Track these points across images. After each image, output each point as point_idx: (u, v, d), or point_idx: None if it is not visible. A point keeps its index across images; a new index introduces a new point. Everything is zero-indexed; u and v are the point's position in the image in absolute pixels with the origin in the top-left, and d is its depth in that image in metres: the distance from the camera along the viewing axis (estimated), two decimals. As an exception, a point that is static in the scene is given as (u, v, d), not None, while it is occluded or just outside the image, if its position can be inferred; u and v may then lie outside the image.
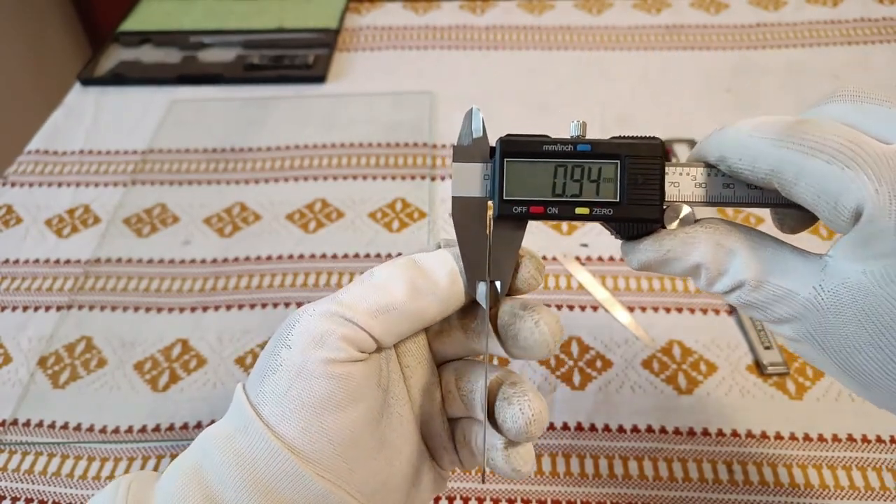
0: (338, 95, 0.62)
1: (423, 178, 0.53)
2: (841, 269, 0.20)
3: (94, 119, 0.61)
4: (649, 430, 0.37)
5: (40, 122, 0.61)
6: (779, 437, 0.36)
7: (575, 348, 0.41)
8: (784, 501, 0.34)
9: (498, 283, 0.23)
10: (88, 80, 0.65)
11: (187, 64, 0.66)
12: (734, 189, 0.23)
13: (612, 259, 0.46)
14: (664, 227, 0.23)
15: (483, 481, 0.25)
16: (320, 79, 0.63)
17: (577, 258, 0.46)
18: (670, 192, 0.23)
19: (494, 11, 0.72)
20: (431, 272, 0.23)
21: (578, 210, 0.23)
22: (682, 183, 0.23)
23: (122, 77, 0.65)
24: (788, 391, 0.38)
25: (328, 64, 0.65)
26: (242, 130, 0.59)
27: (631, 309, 0.43)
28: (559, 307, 0.43)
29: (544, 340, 0.22)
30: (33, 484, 0.36)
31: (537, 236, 0.48)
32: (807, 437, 0.36)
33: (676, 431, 0.37)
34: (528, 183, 0.23)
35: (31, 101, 1.07)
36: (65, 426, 0.39)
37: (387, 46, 0.68)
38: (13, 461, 0.37)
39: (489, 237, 0.23)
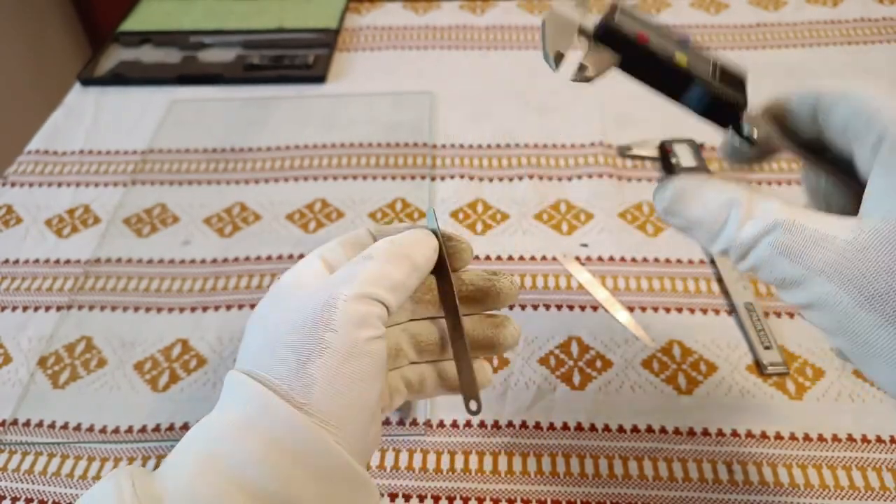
0: (338, 95, 0.62)
1: (423, 178, 0.53)
2: (878, 208, 0.19)
3: (94, 119, 0.61)
4: (649, 430, 0.37)
5: (40, 122, 0.61)
6: (779, 437, 0.36)
7: (575, 348, 0.41)
8: (784, 501, 0.34)
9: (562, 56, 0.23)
10: (88, 80, 0.65)
11: (187, 64, 0.66)
12: (784, 134, 0.23)
13: (611, 259, 0.46)
14: (740, 126, 0.23)
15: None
16: (320, 79, 0.63)
17: (577, 258, 0.46)
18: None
19: (494, 11, 0.72)
20: (415, 253, 0.26)
21: (679, 56, 0.23)
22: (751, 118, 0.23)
23: (122, 77, 0.65)
24: (788, 391, 0.38)
25: (328, 64, 0.65)
26: (242, 130, 0.59)
27: (631, 309, 0.43)
28: (559, 307, 0.43)
29: (516, 290, 0.29)
30: (33, 484, 0.36)
31: (537, 236, 0.48)
32: (807, 437, 0.36)
33: (676, 431, 0.37)
34: (631, 23, 0.23)
35: (31, 101, 1.07)
36: (65, 426, 0.39)
37: (387, 46, 0.68)
38: (13, 461, 0.37)
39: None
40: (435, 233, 0.28)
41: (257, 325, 0.25)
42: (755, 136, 0.22)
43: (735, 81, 0.23)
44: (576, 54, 0.23)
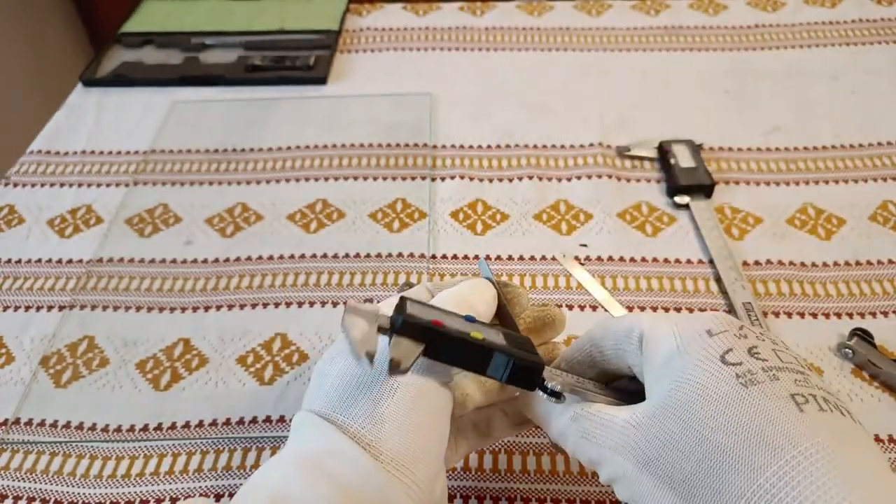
0: (338, 96, 0.62)
1: (423, 178, 0.54)
2: (647, 400, 0.23)
3: (96, 120, 0.61)
4: (648, 429, 0.37)
5: (42, 123, 0.61)
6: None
7: (574, 348, 0.41)
8: (782, 500, 0.34)
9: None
10: (90, 81, 0.65)
11: (189, 65, 0.66)
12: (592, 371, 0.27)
13: (611, 259, 0.46)
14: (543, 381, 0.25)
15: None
16: (321, 80, 0.64)
17: (577, 258, 0.47)
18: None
19: (494, 13, 0.72)
20: (475, 300, 0.28)
21: (474, 333, 0.24)
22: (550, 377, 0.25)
23: (123, 78, 0.65)
24: (787, 390, 0.38)
25: (329, 65, 0.65)
26: (244, 131, 0.59)
27: (630, 308, 0.43)
28: (559, 307, 0.43)
29: (565, 317, 0.31)
30: (35, 483, 0.36)
31: (537, 236, 0.48)
32: (805, 436, 0.36)
33: (675, 430, 0.37)
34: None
35: (33, 102, 1.07)
36: (67, 425, 0.39)
37: (387, 48, 0.69)
38: (15, 460, 0.37)
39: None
40: (490, 281, 0.29)
41: (326, 369, 0.26)
42: (559, 388, 0.25)
43: (526, 345, 0.26)
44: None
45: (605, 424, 0.24)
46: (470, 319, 0.26)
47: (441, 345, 0.24)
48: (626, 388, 0.27)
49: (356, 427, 0.23)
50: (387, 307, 0.26)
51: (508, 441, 0.37)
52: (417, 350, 0.23)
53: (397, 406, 0.23)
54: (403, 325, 0.23)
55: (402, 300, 0.24)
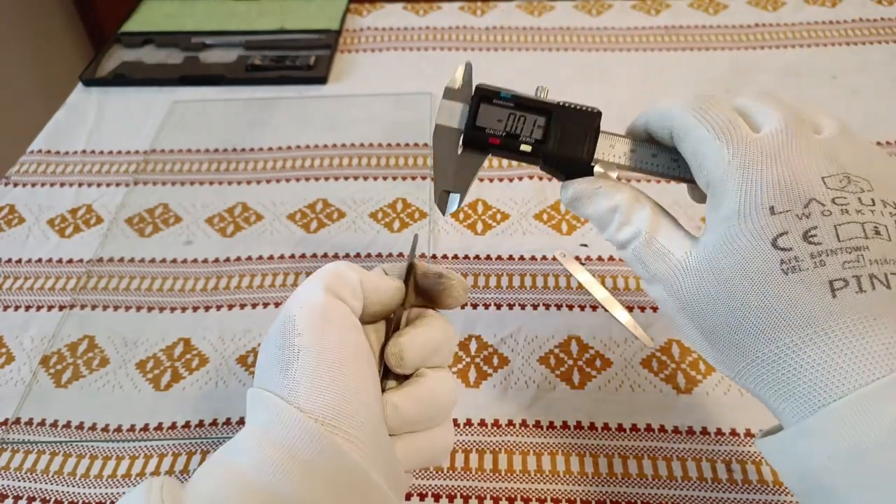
0: (339, 96, 0.62)
1: (423, 178, 0.54)
2: (705, 237, 0.24)
3: (96, 119, 0.61)
4: (648, 429, 0.37)
5: (42, 123, 0.61)
6: (777, 435, 0.37)
7: (574, 347, 0.41)
8: (783, 500, 0.34)
9: (457, 196, 0.30)
10: (90, 81, 0.65)
11: (189, 65, 0.67)
12: (659, 158, 0.28)
13: (611, 259, 0.46)
14: (592, 175, 0.28)
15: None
16: (321, 80, 0.64)
17: (577, 258, 0.47)
18: (606, 150, 0.29)
19: (494, 13, 0.72)
20: (380, 285, 0.29)
21: (523, 147, 0.29)
22: (616, 145, 0.29)
23: (124, 78, 0.65)
24: (787, 390, 0.38)
25: (329, 65, 0.65)
26: (244, 131, 0.59)
27: (630, 308, 0.43)
28: (558, 307, 0.44)
29: (466, 289, 0.30)
30: (36, 483, 0.36)
31: (537, 236, 0.48)
32: (805, 436, 0.36)
33: (676, 430, 0.37)
34: (490, 121, 0.29)
35: (34, 102, 1.07)
36: (67, 425, 0.39)
37: (387, 47, 0.69)
38: (16, 460, 0.38)
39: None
40: (411, 265, 0.30)
41: (262, 346, 0.27)
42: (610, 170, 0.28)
43: (581, 133, 0.29)
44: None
45: (661, 257, 0.25)
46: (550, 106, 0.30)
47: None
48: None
49: (283, 392, 0.24)
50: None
51: (509, 440, 0.37)
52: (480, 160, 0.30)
53: (304, 368, 0.24)
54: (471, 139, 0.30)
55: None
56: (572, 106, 0.29)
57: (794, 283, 0.22)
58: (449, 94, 0.30)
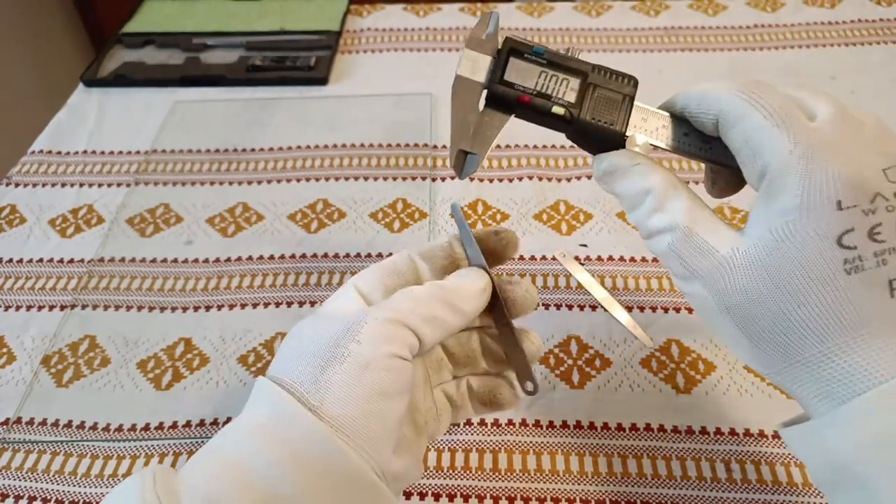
0: (339, 97, 0.62)
1: (423, 178, 0.54)
2: (754, 232, 0.23)
3: (97, 120, 0.61)
4: (648, 428, 0.37)
5: (44, 123, 0.61)
6: (777, 435, 0.37)
7: (574, 347, 0.41)
8: (782, 500, 0.34)
9: (476, 157, 0.27)
10: (91, 82, 0.65)
11: (190, 65, 0.67)
12: (690, 138, 0.26)
13: (611, 259, 0.46)
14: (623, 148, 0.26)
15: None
16: (322, 80, 0.64)
17: (577, 258, 0.47)
18: (638, 123, 0.26)
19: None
20: (461, 294, 0.27)
21: (555, 109, 0.26)
22: (649, 119, 0.26)
23: (125, 78, 0.65)
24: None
25: (330, 65, 0.65)
26: (245, 131, 0.59)
27: (629, 308, 0.43)
28: (558, 307, 0.44)
29: (533, 299, 0.29)
30: (37, 482, 0.37)
31: (537, 236, 0.48)
32: (804, 436, 0.36)
33: (675, 430, 0.37)
34: (520, 76, 0.27)
35: (35, 102, 1.08)
36: (68, 424, 0.39)
37: (388, 48, 0.69)
38: (17, 459, 0.38)
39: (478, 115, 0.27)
40: (485, 269, 0.29)
41: (292, 339, 0.26)
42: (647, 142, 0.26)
43: (615, 100, 0.27)
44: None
45: (704, 253, 0.23)
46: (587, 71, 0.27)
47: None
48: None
49: (301, 391, 0.23)
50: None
51: (509, 440, 0.37)
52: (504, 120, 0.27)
53: (345, 372, 0.23)
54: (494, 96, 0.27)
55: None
56: (609, 70, 0.27)
57: (854, 283, 0.21)
58: (474, 43, 0.27)
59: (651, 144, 0.26)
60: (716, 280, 0.23)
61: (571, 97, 0.26)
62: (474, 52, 0.27)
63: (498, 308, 0.29)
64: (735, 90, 0.23)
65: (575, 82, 0.26)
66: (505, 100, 0.27)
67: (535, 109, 0.26)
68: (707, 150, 0.26)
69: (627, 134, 0.26)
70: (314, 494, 0.22)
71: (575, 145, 0.28)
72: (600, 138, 0.26)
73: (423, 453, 0.28)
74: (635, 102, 0.26)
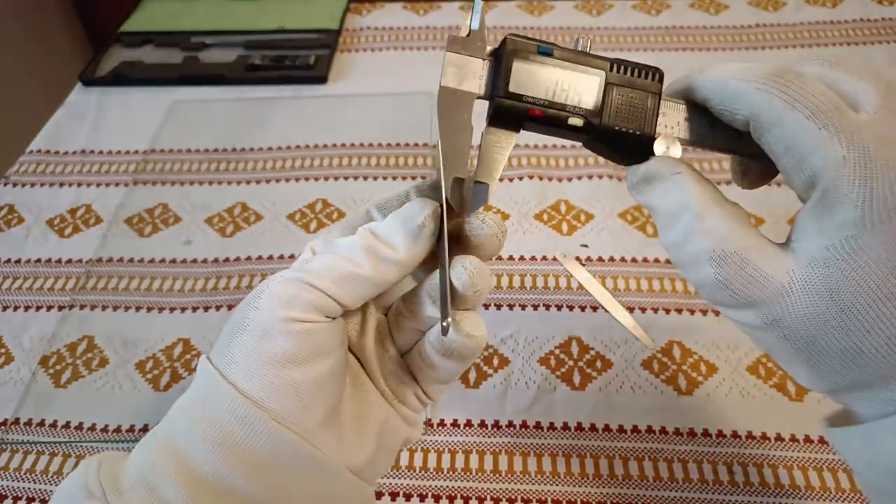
0: (339, 96, 0.62)
1: (423, 178, 0.53)
2: (807, 249, 0.20)
3: (95, 119, 0.61)
4: (649, 430, 0.37)
5: (42, 123, 0.61)
6: (779, 438, 0.36)
7: (575, 348, 0.41)
8: (784, 503, 0.34)
9: (484, 188, 0.22)
10: (90, 81, 0.65)
11: (189, 64, 0.66)
12: (716, 131, 0.23)
13: (612, 259, 0.46)
14: (653, 153, 0.23)
15: (444, 333, 0.23)
16: (321, 79, 0.63)
17: (577, 258, 0.46)
18: (660, 119, 0.23)
19: (494, 13, 0.72)
20: (391, 239, 0.23)
21: (573, 120, 0.22)
22: (668, 115, 0.23)
23: (123, 77, 0.65)
24: (789, 392, 0.38)
25: (329, 64, 0.65)
26: (244, 131, 0.59)
27: (631, 309, 0.43)
28: (559, 307, 0.43)
29: (493, 233, 0.24)
30: (35, 483, 0.36)
31: (537, 236, 0.48)
32: (807, 439, 0.36)
33: (677, 432, 0.37)
34: (528, 85, 0.22)
35: (33, 102, 1.07)
36: (66, 425, 0.39)
37: (387, 47, 0.68)
38: (15, 460, 0.37)
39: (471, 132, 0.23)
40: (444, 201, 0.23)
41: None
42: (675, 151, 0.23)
43: (640, 99, 0.23)
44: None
45: (757, 282, 0.20)
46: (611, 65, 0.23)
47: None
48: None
49: (220, 367, 0.22)
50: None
51: (509, 441, 0.37)
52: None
53: (244, 343, 0.22)
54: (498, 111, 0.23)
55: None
56: (630, 64, 0.23)
57: None
58: (456, 44, 0.22)
59: (679, 141, 0.23)
60: (772, 309, 0.20)
61: (590, 102, 0.22)
62: (459, 56, 0.22)
63: (442, 243, 0.23)
64: (766, 84, 0.20)
65: (592, 83, 0.22)
66: (513, 115, 0.22)
67: (548, 123, 0.23)
68: (736, 144, 0.22)
69: (657, 136, 0.23)
70: (250, 474, 0.21)
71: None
72: (627, 146, 0.23)
73: (387, 426, 0.25)
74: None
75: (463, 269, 0.23)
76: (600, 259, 0.46)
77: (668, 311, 0.43)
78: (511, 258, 0.47)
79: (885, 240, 0.19)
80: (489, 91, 0.23)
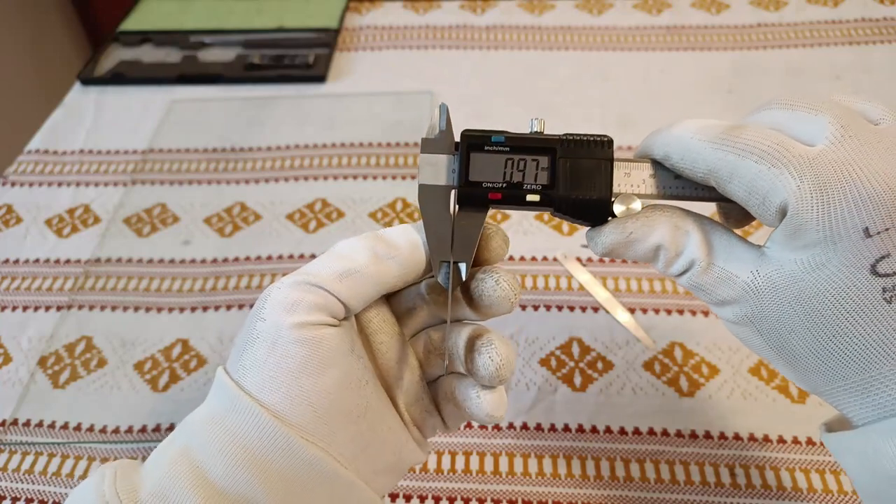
0: (338, 95, 0.62)
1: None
2: (776, 257, 0.22)
3: (94, 119, 0.61)
4: (651, 432, 0.37)
5: (40, 122, 0.61)
6: (781, 440, 0.36)
7: (576, 349, 0.41)
8: None
9: (462, 265, 0.24)
10: (88, 80, 0.65)
11: (187, 63, 0.66)
12: (682, 182, 0.24)
13: (612, 260, 0.46)
14: (613, 214, 0.24)
15: (445, 372, 0.26)
16: (320, 78, 0.63)
17: (578, 259, 0.46)
18: (622, 180, 0.25)
19: (494, 11, 0.72)
20: (392, 240, 0.24)
21: (530, 197, 0.25)
22: (633, 174, 0.25)
23: (122, 77, 0.65)
24: (791, 394, 0.38)
25: (328, 63, 0.65)
26: (243, 130, 0.59)
27: (632, 310, 0.43)
28: (560, 308, 0.43)
29: (505, 295, 0.24)
30: (33, 484, 0.36)
31: (538, 237, 0.48)
32: (809, 441, 0.36)
33: (678, 434, 0.37)
34: (486, 172, 0.25)
35: (32, 101, 1.07)
36: (65, 426, 0.39)
37: (387, 46, 0.68)
38: (13, 461, 0.37)
39: (453, 220, 0.25)
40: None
41: None
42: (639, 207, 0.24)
43: (592, 167, 0.25)
44: None
45: (724, 282, 0.23)
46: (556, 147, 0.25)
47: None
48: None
49: (236, 379, 0.22)
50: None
51: (510, 443, 0.37)
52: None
53: (254, 355, 0.22)
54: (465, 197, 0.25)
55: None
56: (577, 137, 0.25)
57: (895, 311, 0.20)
58: (428, 145, 0.25)
59: (639, 197, 0.25)
60: (743, 306, 0.22)
61: (544, 178, 0.25)
62: (432, 156, 0.25)
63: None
64: (714, 141, 0.22)
65: (545, 161, 0.25)
66: (476, 200, 0.25)
67: (509, 202, 0.25)
68: (703, 192, 0.24)
69: (614, 196, 0.24)
70: (268, 488, 0.21)
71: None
72: (586, 211, 0.25)
73: (402, 449, 0.25)
74: (615, 161, 0.25)
75: (490, 361, 0.24)
76: (601, 259, 0.46)
77: (669, 313, 0.43)
78: (512, 258, 0.47)
79: (846, 256, 0.20)
80: (453, 181, 0.25)
